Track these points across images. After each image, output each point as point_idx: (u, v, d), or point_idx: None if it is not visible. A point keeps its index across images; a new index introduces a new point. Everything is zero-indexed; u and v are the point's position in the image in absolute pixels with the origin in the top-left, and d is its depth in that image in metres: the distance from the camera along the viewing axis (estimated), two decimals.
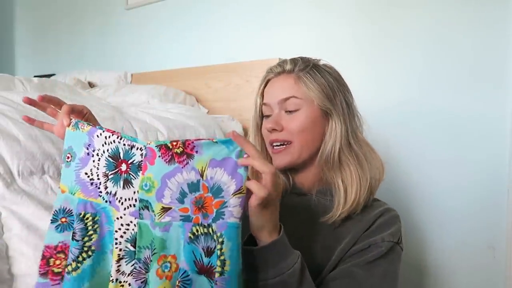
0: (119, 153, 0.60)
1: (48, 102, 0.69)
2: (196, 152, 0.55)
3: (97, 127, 0.63)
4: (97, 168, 0.62)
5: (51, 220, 0.64)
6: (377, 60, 1.34)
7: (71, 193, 0.63)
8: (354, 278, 0.64)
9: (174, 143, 0.56)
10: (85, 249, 0.60)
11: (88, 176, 0.63)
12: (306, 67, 0.74)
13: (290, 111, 0.73)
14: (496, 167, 1.13)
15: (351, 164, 0.71)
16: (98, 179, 0.62)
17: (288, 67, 0.76)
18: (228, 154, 0.55)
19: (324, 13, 1.46)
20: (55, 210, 0.64)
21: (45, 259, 0.63)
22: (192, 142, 0.56)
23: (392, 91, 1.31)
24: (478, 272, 1.16)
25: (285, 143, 0.73)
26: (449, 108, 1.20)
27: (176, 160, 0.56)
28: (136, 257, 0.58)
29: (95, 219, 0.61)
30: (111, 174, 0.61)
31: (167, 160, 0.56)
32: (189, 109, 1.39)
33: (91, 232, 0.61)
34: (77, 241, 0.60)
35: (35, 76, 1.77)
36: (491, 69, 1.14)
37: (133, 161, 0.59)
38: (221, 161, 0.55)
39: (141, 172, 0.58)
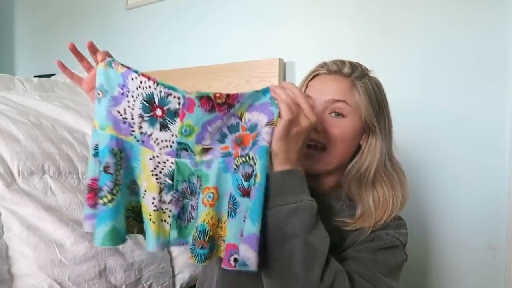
0: (154, 99, 0.65)
1: (92, 51, 0.69)
2: (237, 102, 0.63)
3: (131, 69, 0.66)
4: (132, 108, 0.66)
5: (93, 154, 0.68)
6: (377, 60, 1.34)
7: (101, 129, 0.67)
8: (357, 260, 0.64)
9: (218, 95, 0.63)
10: (117, 182, 0.65)
11: (121, 115, 0.66)
12: (363, 76, 0.72)
13: (336, 115, 0.70)
14: (496, 167, 1.13)
15: (385, 185, 0.69)
16: (132, 119, 0.66)
17: (346, 70, 0.72)
18: (264, 99, 0.64)
19: (324, 13, 1.46)
20: (94, 144, 0.68)
21: (94, 191, 0.68)
22: (236, 94, 0.63)
23: (392, 91, 1.30)
24: (478, 272, 1.16)
25: (320, 145, 0.70)
26: (449, 109, 1.20)
27: (216, 109, 0.63)
28: (174, 188, 0.67)
29: (121, 155, 0.67)
30: (146, 117, 0.66)
31: (207, 109, 0.63)
32: None
33: (119, 167, 0.66)
34: (111, 174, 0.64)
35: (35, 76, 1.77)
36: (491, 69, 1.14)
37: (169, 108, 0.64)
38: (258, 105, 0.64)
39: (178, 118, 0.64)
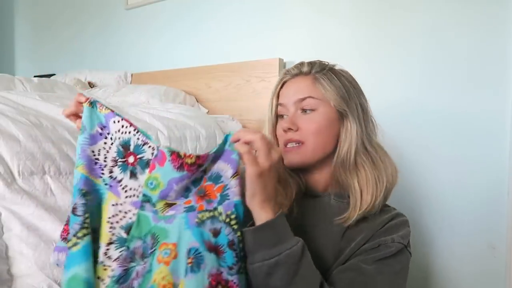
0: (130, 145, 0.64)
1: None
2: (207, 160, 0.61)
3: (115, 112, 0.65)
4: (107, 151, 0.64)
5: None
6: (377, 61, 1.34)
7: (76, 167, 0.64)
8: (362, 273, 0.64)
9: (187, 154, 0.59)
10: (85, 225, 0.60)
11: (94, 155, 0.64)
12: (322, 70, 0.76)
13: (306, 111, 0.74)
14: (496, 166, 1.13)
15: (367, 166, 0.71)
16: (105, 161, 0.64)
17: (305, 69, 0.77)
18: (224, 147, 0.61)
19: (324, 13, 1.46)
20: None
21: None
22: (205, 155, 0.60)
23: (391, 91, 1.31)
24: (478, 271, 1.16)
25: (299, 143, 0.73)
26: (448, 109, 1.20)
27: (185, 169, 0.60)
28: (126, 244, 0.61)
29: (89, 197, 0.62)
30: (120, 161, 0.64)
31: (177, 167, 0.60)
32: (189, 109, 1.39)
33: (87, 209, 0.61)
34: (78, 216, 0.60)
35: (35, 76, 1.77)
36: (491, 69, 1.14)
37: (142, 157, 0.63)
38: (218, 155, 0.61)
39: (147, 170, 0.62)
